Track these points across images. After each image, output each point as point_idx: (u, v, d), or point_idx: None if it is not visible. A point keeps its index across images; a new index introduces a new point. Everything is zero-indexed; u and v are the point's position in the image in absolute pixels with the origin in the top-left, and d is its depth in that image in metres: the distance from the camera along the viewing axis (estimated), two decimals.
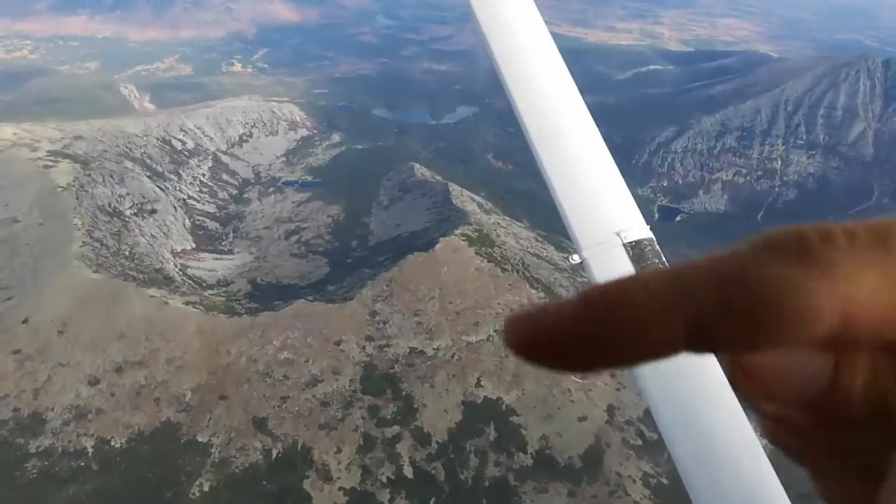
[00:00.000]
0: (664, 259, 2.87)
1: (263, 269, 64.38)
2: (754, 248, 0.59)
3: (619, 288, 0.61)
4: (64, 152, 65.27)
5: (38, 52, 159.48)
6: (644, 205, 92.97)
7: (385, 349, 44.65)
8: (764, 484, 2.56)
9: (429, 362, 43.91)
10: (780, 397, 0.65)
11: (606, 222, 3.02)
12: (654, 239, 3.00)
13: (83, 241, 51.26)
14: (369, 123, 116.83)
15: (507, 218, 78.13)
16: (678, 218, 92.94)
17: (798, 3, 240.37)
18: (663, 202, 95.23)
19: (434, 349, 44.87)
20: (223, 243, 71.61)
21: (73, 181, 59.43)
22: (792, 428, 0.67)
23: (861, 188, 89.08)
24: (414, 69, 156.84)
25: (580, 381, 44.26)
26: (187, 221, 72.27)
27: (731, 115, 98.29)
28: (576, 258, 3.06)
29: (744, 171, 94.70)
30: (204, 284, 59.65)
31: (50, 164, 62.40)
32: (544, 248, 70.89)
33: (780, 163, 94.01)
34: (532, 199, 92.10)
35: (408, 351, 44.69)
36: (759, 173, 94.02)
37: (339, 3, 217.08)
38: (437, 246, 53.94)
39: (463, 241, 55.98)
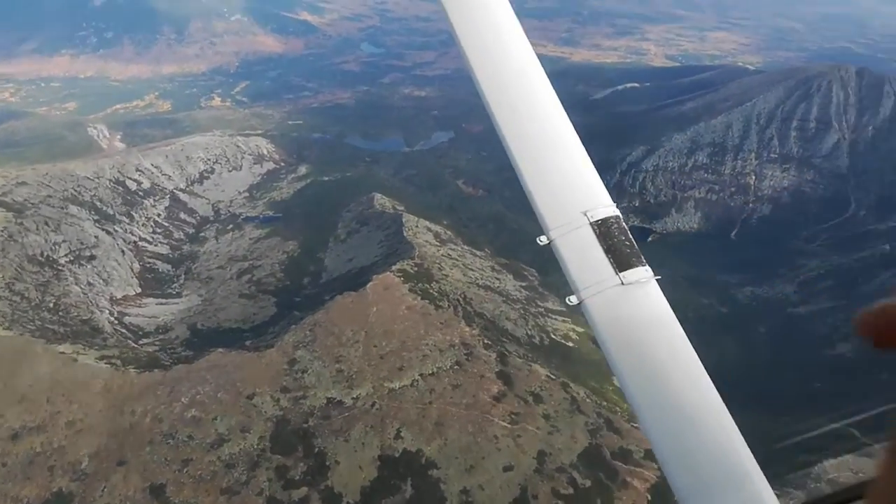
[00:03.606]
0: (630, 236, 2.84)
1: (207, 312, 62.35)
2: None
3: None
4: (0, 200, 63.92)
5: (20, 94, 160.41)
6: None
7: (300, 401, 42.21)
8: (744, 471, 2.57)
9: (346, 414, 41.40)
10: None
11: (573, 203, 3.02)
12: (621, 216, 2.95)
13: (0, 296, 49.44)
14: (340, 153, 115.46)
15: (465, 247, 75.91)
16: (650, 239, 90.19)
17: (788, 13, 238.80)
18: (635, 223, 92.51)
19: (353, 399, 42.38)
20: (173, 286, 69.73)
21: (2, 231, 57.88)
22: None
23: (837, 200, 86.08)
24: (393, 96, 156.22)
25: (509, 426, 41.58)
26: (136, 265, 70.58)
27: (701, 132, 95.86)
28: (543, 239, 3.03)
29: (716, 187, 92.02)
30: (140, 333, 57.67)
31: None
32: (499, 279, 68.53)
33: (753, 178, 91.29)
34: (499, 224, 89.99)
35: (325, 402, 42.23)
36: (733, 189, 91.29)
37: (324, 32, 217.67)
38: (369, 284, 51.71)
39: (398, 277, 53.73)
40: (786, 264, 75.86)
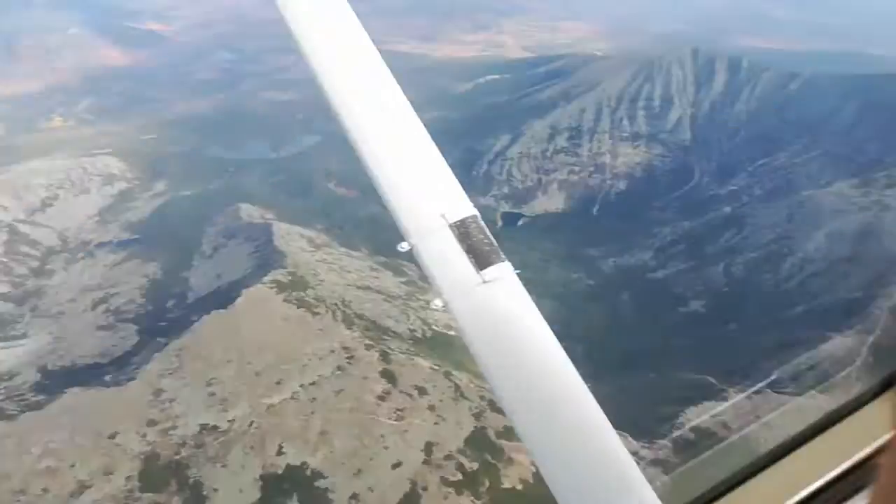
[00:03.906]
0: (488, 233, 2.89)
1: (59, 351, 57.01)
2: None
3: None
4: None
5: None
6: (487, 213, 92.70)
7: (170, 433, 39.65)
8: (613, 454, 2.65)
9: (222, 438, 39.37)
10: None
11: (431, 206, 3.05)
12: (478, 215, 3.02)
13: None
14: (201, 165, 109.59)
15: (341, 250, 74.78)
16: (521, 222, 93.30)
17: (626, 0, 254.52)
18: (506, 208, 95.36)
19: (229, 421, 40.38)
20: (16, 327, 63.11)
21: None
22: None
23: (683, 171, 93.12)
24: (254, 102, 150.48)
25: (395, 423, 41.35)
26: None
27: (559, 117, 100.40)
28: (405, 245, 3.05)
29: (577, 168, 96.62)
30: None
31: None
32: (378, 278, 68.07)
33: (608, 157, 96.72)
34: (375, 223, 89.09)
35: (198, 429, 39.92)
36: (591, 169, 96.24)
37: (175, 40, 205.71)
38: (239, 299, 49.50)
39: (271, 288, 51.86)
40: (642, 233, 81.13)
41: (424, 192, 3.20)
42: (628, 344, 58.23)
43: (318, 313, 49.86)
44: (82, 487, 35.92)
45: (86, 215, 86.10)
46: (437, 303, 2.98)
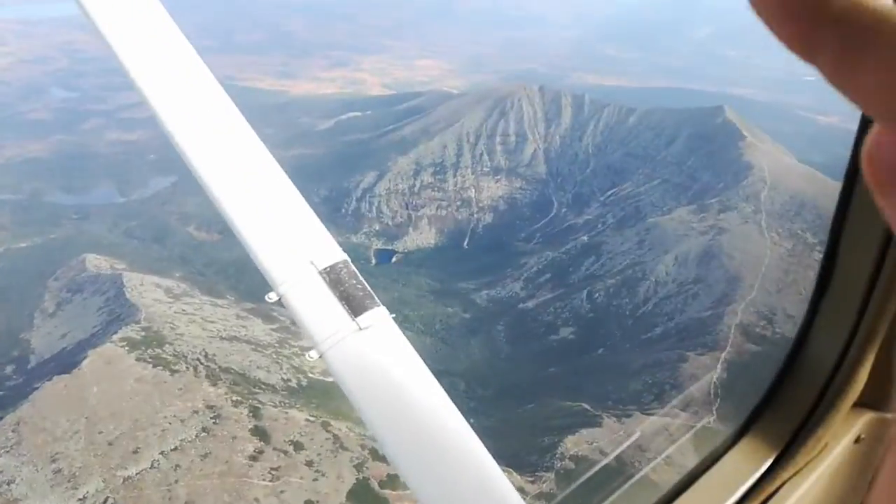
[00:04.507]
0: (361, 278, 2.79)
1: None
2: None
3: None
4: None
5: None
6: (359, 251, 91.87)
7: None
8: (497, 491, 2.56)
9: None
10: None
11: (297, 253, 2.83)
12: (349, 260, 2.84)
13: None
14: (38, 214, 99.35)
15: (203, 298, 70.32)
16: (394, 259, 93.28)
17: (479, 39, 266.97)
18: (378, 245, 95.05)
19: (80, 500, 35.95)
20: None
21: None
22: None
23: (542, 202, 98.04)
24: (98, 143, 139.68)
25: (270, 483, 38.88)
26: None
27: (422, 153, 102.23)
28: (273, 296, 2.81)
29: (444, 203, 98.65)
30: None
31: None
32: (245, 326, 64.65)
33: (473, 191, 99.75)
34: (240, 267, 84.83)
35: None
36: (458, 203, 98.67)
37: (1, 79, 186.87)
38: (85, 362, 44.71)
39: (122, 346, 47.37)
40: (511, 265, 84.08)
41: (289, 238, 2.95)
42: (507, 375, 59.45)
43: (177, 371, 46.14)
44: None
45: None
46: (313, 354, 2.74)
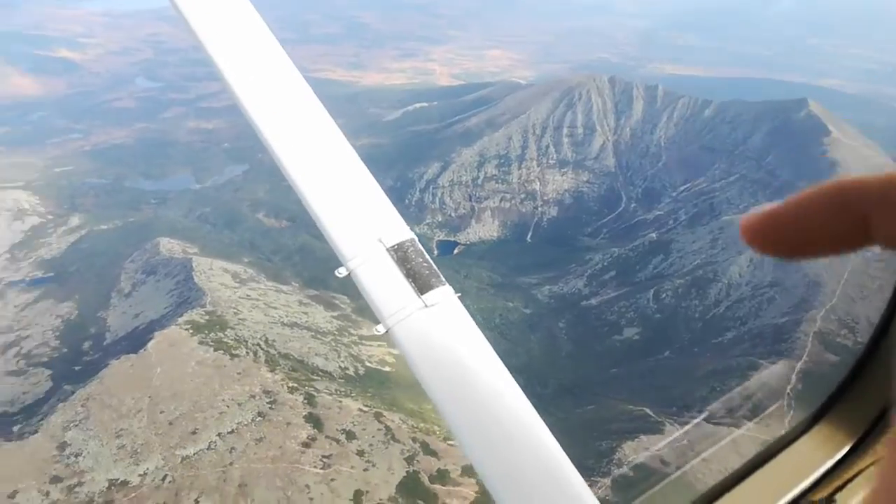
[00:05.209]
0: (427, 257, 2.91)
1: None
2: None
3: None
4: None
5: None
6: (423, 241, 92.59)
7: (76, 490, 36.17)
8: (563, 475, 2.67)
9: (133, 494, 36.13)
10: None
11: (366, 231, 3.01)
12: (416, 239, 2.98)
13: None
14: (120, 198, 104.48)
15: (269, 284, 71.84)
16: (456, 251, 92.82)
17: (546, 29, 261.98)
18: (441, 237, 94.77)
19: (140, 475, 37.17)
20: None
21: None
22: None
23: (610, 197, 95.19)
24: (177, 131, 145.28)
25: (321, 471, 39.08)
26: None
27: (487, 145, 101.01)
28: (342, 271, 2.99)
29: (508, 195, 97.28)
30: None
31: None
32: (307, 313, 65.65)
33: (538, 184, 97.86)
34: (306, 254, 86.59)
35: (106, 485, 36.57)
36: (522, 196, 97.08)
37: (90, 69, 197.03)
38: (151, 343, 46.28)
39: (186, 329, 48.76)
40: (575, 260, 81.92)
41: (359, 215, 3.09)
42: (567, 374, 57.89)
43: (237, 356, 47.11)
44: None
45: None
46: (379, 328, 2.85)
